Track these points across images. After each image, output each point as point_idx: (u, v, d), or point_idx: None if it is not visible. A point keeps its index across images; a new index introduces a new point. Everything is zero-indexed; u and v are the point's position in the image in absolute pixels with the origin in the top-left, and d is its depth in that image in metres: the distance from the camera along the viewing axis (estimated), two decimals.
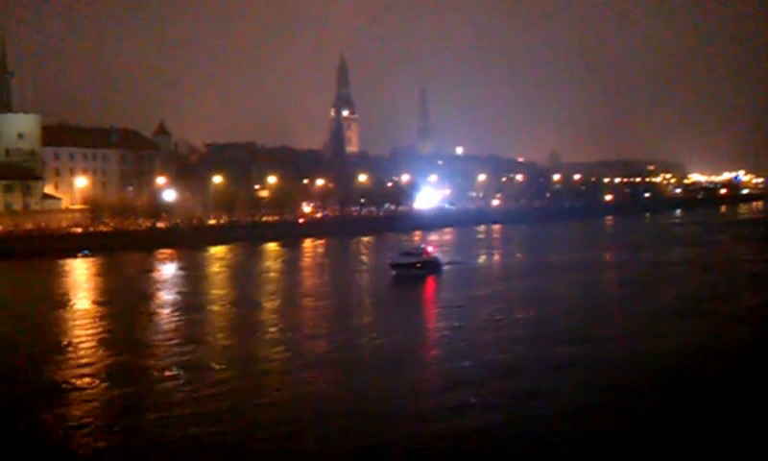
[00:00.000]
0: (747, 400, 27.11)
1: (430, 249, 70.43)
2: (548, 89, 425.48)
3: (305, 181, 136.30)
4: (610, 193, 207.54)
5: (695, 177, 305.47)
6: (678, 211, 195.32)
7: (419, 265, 64.62)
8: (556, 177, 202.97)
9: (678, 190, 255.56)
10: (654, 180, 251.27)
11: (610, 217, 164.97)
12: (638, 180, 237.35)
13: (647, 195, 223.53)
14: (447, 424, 25.23)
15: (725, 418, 25.23)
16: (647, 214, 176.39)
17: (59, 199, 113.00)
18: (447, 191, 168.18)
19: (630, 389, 29.14)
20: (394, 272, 64.33)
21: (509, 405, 27.03)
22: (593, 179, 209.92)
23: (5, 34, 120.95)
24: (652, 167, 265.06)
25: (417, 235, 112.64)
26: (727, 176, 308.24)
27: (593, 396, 28.00)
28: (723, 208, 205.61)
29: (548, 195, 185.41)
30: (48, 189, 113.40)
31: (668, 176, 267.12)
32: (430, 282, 61.32)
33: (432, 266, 65.57)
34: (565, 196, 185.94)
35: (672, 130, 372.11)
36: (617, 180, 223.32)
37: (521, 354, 34.85)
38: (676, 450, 22.98)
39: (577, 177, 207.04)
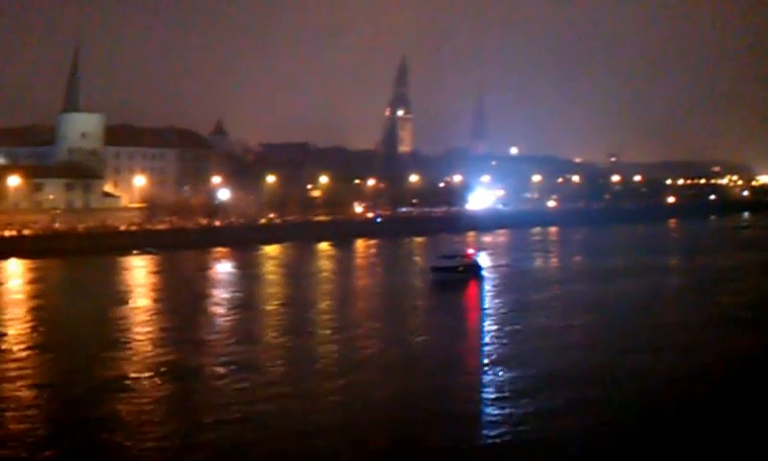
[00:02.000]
0: None
1: (471, 252, 69.40)
2: (608, 88, 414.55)
3: (358, 181, 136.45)
4: (673, 195, 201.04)
5: (764, 179, 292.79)
6: (745, 214, 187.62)
7: (460, 269, 63.68)
8: (615, 178, 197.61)
9: (745, 192, 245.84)
10: (719, 181, 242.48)
11: (673, 220, 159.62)
12: (703, 181, 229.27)
13: (712, 197, 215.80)
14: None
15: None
16: (712, 217, 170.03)
17: (118, 197, 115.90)
18: (501, 192, 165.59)
19: (676, 401, 27.98)
20: (434, 276, 63.58)
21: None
22: (656, 180, 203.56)
23: (80, 38, 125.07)
24: (717, 169, 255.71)
25: (470, 236, 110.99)
26: None
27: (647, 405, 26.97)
28: None
29: (607, 197, 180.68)
30: (108, 188, 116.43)
31: (734, 178, 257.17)
32: (473, 287, 60.24)
33: (474, 270, 64.57)
34: (625, 198, 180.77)
35: (739, 130, 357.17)
36: (681, 181, 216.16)
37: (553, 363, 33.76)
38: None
39: (638, 178, 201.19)
